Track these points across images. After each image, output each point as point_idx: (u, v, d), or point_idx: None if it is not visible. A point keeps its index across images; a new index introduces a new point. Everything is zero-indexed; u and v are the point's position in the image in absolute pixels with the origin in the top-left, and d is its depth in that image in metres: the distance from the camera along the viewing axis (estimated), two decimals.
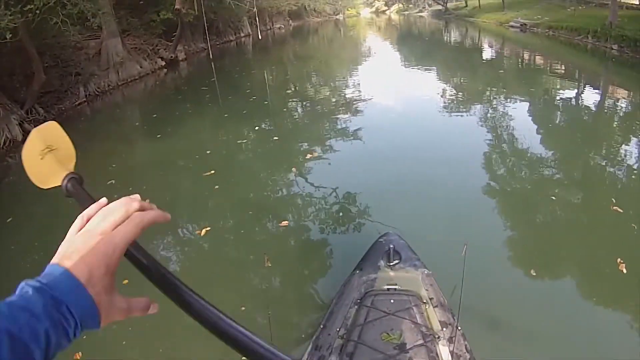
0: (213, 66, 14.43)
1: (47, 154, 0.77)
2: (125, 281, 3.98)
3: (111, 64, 14.06)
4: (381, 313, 3.08)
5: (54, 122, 0.84)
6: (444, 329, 3.01)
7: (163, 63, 15.61)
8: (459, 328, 3.00)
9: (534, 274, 4.59)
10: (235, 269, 5.16)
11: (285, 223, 5.68)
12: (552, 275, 4.75)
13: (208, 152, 7.84)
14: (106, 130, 10.49)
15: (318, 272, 5.03)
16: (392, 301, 3.22)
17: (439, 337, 2.92)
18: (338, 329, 3.07)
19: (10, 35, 8.34)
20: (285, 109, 10.34)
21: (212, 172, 6.95)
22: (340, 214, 6.07)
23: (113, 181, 7.22)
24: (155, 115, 11.00)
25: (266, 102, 10.03)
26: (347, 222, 5.88)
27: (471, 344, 3.00)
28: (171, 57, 15.89)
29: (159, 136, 9.03)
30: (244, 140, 8.25)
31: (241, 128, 9.06)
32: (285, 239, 5.63)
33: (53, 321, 0.47)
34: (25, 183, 0.83)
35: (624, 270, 4.44)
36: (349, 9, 63.67)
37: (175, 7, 14.85)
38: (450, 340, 2.92)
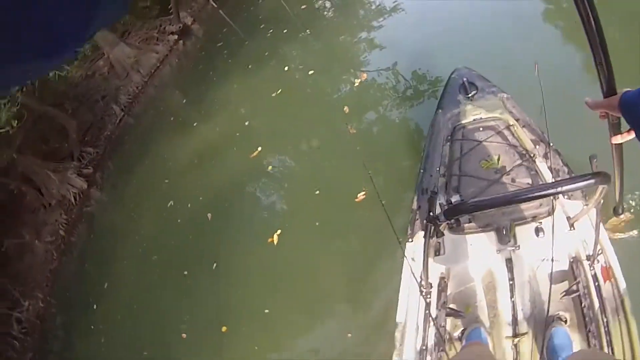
0: (222, 14, 12.97)
1: None
2: (224, 328, 4.64)
3: (128, 68, 13.26)
4: (474, 143, 3.13)
5: None
6: (537, 147, 3.04)
7: (175, 37, 14.42)
8: (551, 144, 3.02)
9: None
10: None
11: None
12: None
13: (247, 123, 6.78)
14: (149, 136, 9.87)
15: (401, 126, 5.33)
16: (481, 129, 3.24)
17: (534, 155, 2.96)
18: (438, 169, 3.15)
19: (17, 121, 8.22)
20: (309, 30, 8.67)
21: (259, 149, 5.96)
22: (407, 69, 6.08)
23: (172, 202, 6.64)
24: (185, 101, 10.08)
25: (285, 30, 8.53)
26: (415, 74, 5.95)
27: (565, 157, 3.01)
28: (179, 26, 14.62)
29: (195, 124, 8.15)
30: (278, 91, 6.92)
31: (269, 76, 7.78)
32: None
33: None
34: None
35: None
36: None
37: None
38: (546, 156, 2.95)
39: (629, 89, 1.34)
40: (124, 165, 9.78)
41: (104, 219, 9.15)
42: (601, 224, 2.48)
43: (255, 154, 5.94)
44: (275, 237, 4.75)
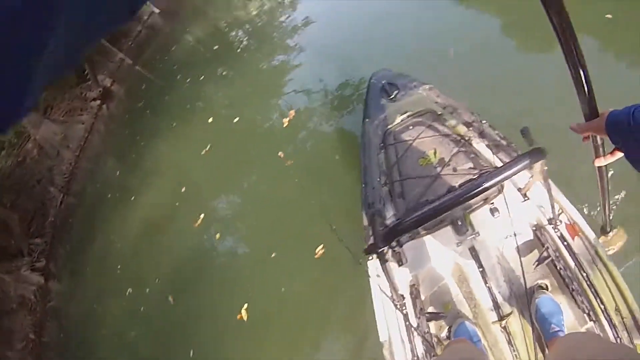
0: (139, 69, 12.57)
1: None
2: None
3: (57, 146, 12.83)
4: (407, 143, 3.08)
5: None
6: (471, 128, 3.01)
7: (98, 102, 13.96)
8: (484, 120, 3.03)
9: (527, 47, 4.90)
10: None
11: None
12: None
13: (183, 189, 6.42)
14: (93, 215, 9.33)
15: (340, 144, 5.19)
16: (411, 127, 3.20)
17: (469, 138, 2.94)
18: (379, 179, 3.07)
19: None
20: (225, 71, 8.38)
21: (202, 216, 5.68)
22: (333, 82, 6.10)
23: (130, 290, 6.25)
24: (118, 173, 9.52)
25: (202, 77, 8.25)
26: (341, 85, 5.96)
27: (500, 127, 3.02)
28: (100, 90, 14.16)
29: (133, 198, 7.68)
30: (207, 147, 6.62)
31: (195, 132, 7.46)
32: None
33: None
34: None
35: None
36: None
37: None
38: (481, 134, 2.92)
39: (613, 109, 1.33)
40: (76, 250, 9.29)
41: (71, 311, 8.70)
42: (553, 185, 2.52)
43: (199, 222, 5.63)
44: (244, 312, 4.44)
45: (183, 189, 6.38)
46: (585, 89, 1.43)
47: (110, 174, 9.76)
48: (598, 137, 1.59)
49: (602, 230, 2.82)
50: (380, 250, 2.16)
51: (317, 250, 4.28)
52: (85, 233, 9.02)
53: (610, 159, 1.53)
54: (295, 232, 4.76)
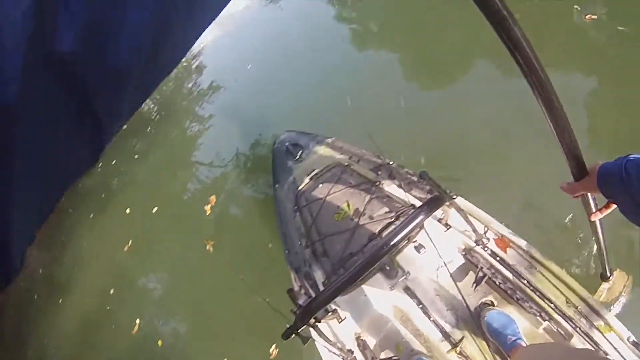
0: None
1: None
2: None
3: None
4: (320, 202, 3.10)
5: None
6: (380, 173, 3.07)
7: None
8: (391, 162, 3.12)
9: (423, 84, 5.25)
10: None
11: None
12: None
13: (112, 291, 6.17)
14: (22, 317, 8.31)
15: (258, 216, 5.25)
16: (320, 185, 3.22)
17: (379, 182, 3.00)
18: (299, 242, 3.09)
19: None
20: (137, 154, 8.04)
21: (137, 321, 5.47)
22: (246, 147, 6.28)
23: None
24: (41, 271, 8.30)
25: (114, 162, 7.93)
26: (254, 148, 6.17)
27: (408, 164, 3.11)
28: None
29: (60, 301, 7.16)
30: (129, 242, 6.38)
31: (114, 224, 7.07)
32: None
33: None
34: None
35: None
36: None
37: None
38: (391, 176, 3.00)
39: (602, 162, 1.34)
40: (10, 352, 8.64)
41: None
42: (472, 205, 2.71)
43: (136, 329, 5.39)
44: None
45: (112, 291, 6.13)
46: (573, 147, 1.42)
47: (33, 271, 9.16)
48: (589, 194, 1.59)
49: (602, 277, 2.89)
50: (299, 331, 2.20)
51: (271, 351, 4.23)
52: (17, 335, 8.43)
53: (605, 212, 1.57)
54: (241, 328, 4.66)
